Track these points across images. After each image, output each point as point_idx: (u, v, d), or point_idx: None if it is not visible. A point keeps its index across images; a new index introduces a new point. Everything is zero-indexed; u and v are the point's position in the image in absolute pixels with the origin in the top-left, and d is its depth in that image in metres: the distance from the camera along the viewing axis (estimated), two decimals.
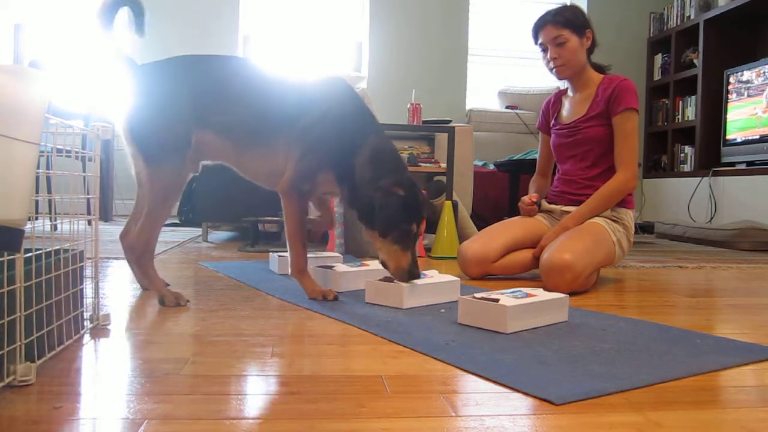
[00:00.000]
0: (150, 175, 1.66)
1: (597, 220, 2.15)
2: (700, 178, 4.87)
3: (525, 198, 2.40)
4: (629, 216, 2.21)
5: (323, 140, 1.72)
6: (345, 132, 1.73)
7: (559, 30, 2.20)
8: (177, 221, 3.95)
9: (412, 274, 1.65)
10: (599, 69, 2.33)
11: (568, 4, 2.40)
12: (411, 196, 1.65)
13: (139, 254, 1.69)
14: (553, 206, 2.34)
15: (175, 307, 1.61)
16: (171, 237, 3.56)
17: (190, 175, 1.81)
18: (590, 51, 2.29)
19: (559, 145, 2.36)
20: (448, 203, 2.99)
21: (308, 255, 2.34)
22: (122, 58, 1.71)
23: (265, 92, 1.77)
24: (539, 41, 2.27)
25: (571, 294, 1.76)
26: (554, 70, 2.26)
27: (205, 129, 1.71)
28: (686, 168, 5.43)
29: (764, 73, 4.49)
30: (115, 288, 1.94)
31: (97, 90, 5.09)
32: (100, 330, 1.35)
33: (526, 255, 2.24)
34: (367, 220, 1.67)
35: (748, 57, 4.97)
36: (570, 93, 2.38)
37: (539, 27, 2.25)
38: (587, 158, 2.26)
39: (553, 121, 2.42)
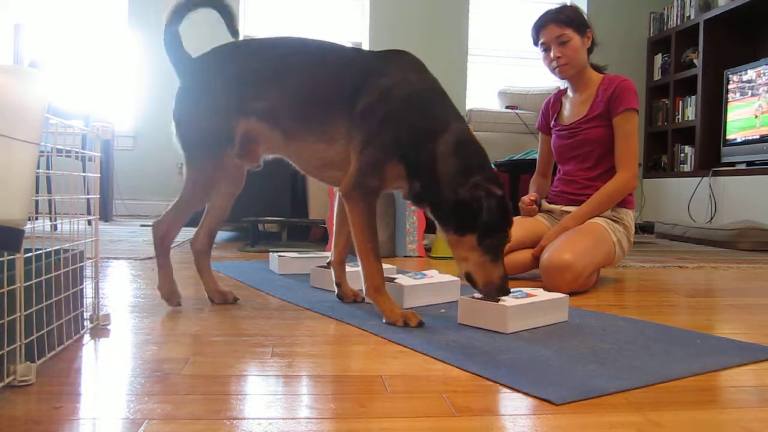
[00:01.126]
0: (186, 169, 1.57)
1: (597, 220, 2.15)
2: (700, 178, 4.87)
3: (525, 198, 2.40)
4: (629, 216, 2.21)
5: (389, 123, 1.46)
6: (418, 113, 1.47)
7: (561, 29, 2.18)
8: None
9: (503, 290, 1.43)
10: (597, 69, 2.33)
11: (568, 3, 2.36)
12: (505, 196, 1.43)
13: (159, 238, 1.60)
14: (553, 206, 2.34)
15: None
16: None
17: (243, 170, 1.70)
18: (590, 51, 2.28)
19: (560, 146, 2.35)
20: None
21: (308, 255, 2.35)
22: (178, 53, 1.60)
23: (314, 69, 1.55)
24: (540, 41, 2.24)
25: (571, 294, 1.76)
26: (557, 69, 2.24)
27: (249, 116, 1.54)
28: (686, 168, 5.43)
29: (764, 73, 4.49)
30: (115, 288, 1.95)
31: (97, 90, 5.09)
32: (100, 330, 1.35)
33: (526, 255, 2.24)
34: (456, 224, 1.44)
35: (748, 57, 4.97)
36: (570, 93, 2.37)
37: (540, 26, 2.23)
38: (589, 159, 2.26)
39: (553, 122, 2.41)
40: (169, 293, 1.61)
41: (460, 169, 1.44)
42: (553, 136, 2.40)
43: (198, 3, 1.62)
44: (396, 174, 1.49)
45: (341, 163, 1.52)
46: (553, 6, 2.29)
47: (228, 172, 1.62)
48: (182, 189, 1.58)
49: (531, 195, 2.40)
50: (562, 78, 2.29)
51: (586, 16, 2.27)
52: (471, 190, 1.40)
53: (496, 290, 1.43)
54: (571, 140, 2.30)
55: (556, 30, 2.19)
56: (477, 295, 1.49)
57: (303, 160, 1.61)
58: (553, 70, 2.26)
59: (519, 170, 3.86)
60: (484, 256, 1.43)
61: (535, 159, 2.57)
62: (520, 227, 2.30)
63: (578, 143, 2.27)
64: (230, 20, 1.64)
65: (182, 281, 2.06)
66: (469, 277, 1.46)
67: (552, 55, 2.21)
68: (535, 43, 2.28)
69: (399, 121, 1.46)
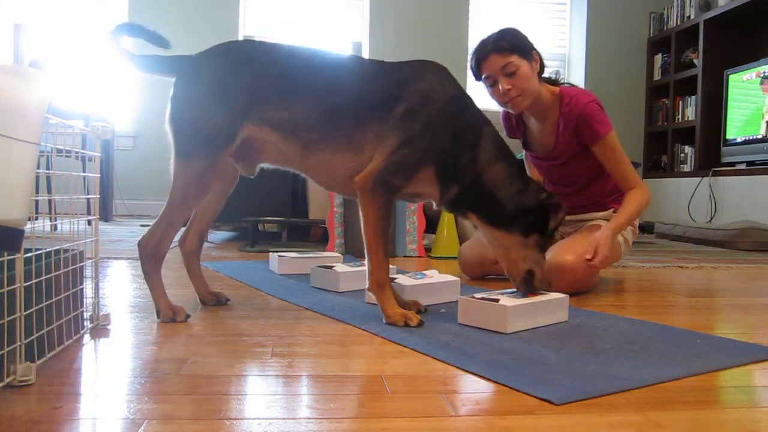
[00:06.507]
0: (175, 167, 1.46)
1: (601, 222, 2.11)
2: (700, 178, 4.87)
3: None
4: None
5: (430, 128, 1.47)
6: (458, 118, 1.52)
7: (505, 57, 1.91)
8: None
9: (550, 283, 1.61)
10: (551, 82, 2.08)
11: (507, 27, 2.01)
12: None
13: (149, 256, 1.48)
14: None
15: (170, 323, 1.44)
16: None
17: (234, 178, 1.65)
18: (540, 74, 2.01)
19: (538, 167, 2.24)
20: None
21: (308, 255, 2.35)
22: (158, 61, 1.52)
23: (343, 78, 1.53)
24: (484, 76, 1.98)
25: (572, 294, 1.76)
26: (510, 103, 1.97)
27: (260, 124, 1.48)
28: (686, 168, 5.43)
29: (764, 73, 4.49)
30: (115, 288, 1.95)
31: (97, 90, 5.09)
32: (100, 330, 1.35)
33: None
34: (524, 226, 1.53)
35: (748, 57, 4.97)
36: (531, 118, 2.14)
37: (481, 59, 1.95)
38: (573, 186, 2.15)
39: (522, 140, 2.23)
40: (174, 311, 1.47)
41: (511, 174, 1.54)
42: (529, 155, 2.26)
43: (126, 32, 1.52)
44: (425, 177, 1.51)
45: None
46: (497, 30, 1.99)
47: (221, 171, 1.55)
48: (170, 192, 1.46)
49: None
50: (518, 112, 2.04)
51: (528, 38, 1.99)
52: (543, 198, 1.54)
53: (548, 284, 1.58)
54: (549, 170, 2.18)
55: (500, 60, 1.91)
56: (477, 295, 1.49)
57: (324, 173, 1.55)
58: (504, 105, 2.01)
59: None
60: (540, 255, 1.56)
61: None
62: None
63: (558, 176, 2.16)
64: (157, 42, 1.53)
65: (177, 281, 2.06)
66: (529, 274, 1.55)
67: (501, 88, 1.94)
68: (478, 78, 2.01)
69: (441, 125, 1.49)
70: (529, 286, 1.56)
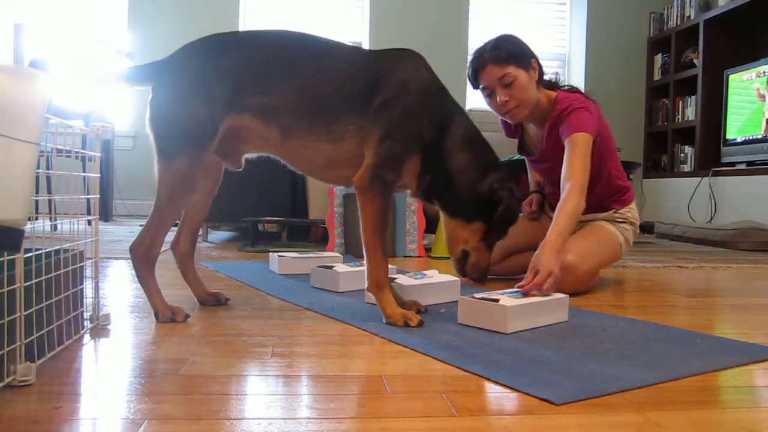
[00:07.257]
0: (159, 169, 1.45)
1: (601, 223, 2.11)
2: (700, 178, 4.87)
3: (525, 206, 2.33)
4: (633, 210, 2.15)
5: (410, 118, 1.47)
6: (432, 108, 1.51)
7: (502, 68, 1.87)
8: (177, 221, 3.95)
9: (485, 276, 1.58)
10: (551, 86, 2.04)
11: (505, 34, 1.98)
12: (522, 198, 1.55)
13: (141, 259, 1.49)
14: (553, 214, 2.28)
15: (169, 323, 1.45)
16: (170, 237, 3.55)
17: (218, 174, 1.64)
18: (539, 81, 1.96)
19: (537, 170, 2.24)
20: None
21: (308, 255, 2.35)
22: (137, 71, 1.56)
23: (320, 65, 1.51)
24: (481, 86, 1.94)
25: (572, 294, 1.76)
26: (508, 114, 1.95)
27: (242, 112, 1.47)
28: (686, 168, 5.43)
29: (764, 73, 4.49)
30: (115, 288, 1.95)
31: (97, 90, 5.09)
32: (100, 330, 1.35)
33: (526, 256, 2.22)
34: (468, 212, 1.52)
35: (748, 57, 4.97)
36: (531, 125, 2.13)
37: (478, 69, 1.91)
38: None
39: (518, 142, 2.22)
40: (172, 311, 1.47)
41: (472, 163, 1.52)
42: (528, 160, 2.27)
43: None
44: (411, 168, 1.50)
45: (350, 161, 1.49)
46: (494, 37, 1.95)
47: (206, 169, 1.54)
48: (156, 194, 1.45)
49: (533, 201, 2.33)
50: (516, 122, 2.02)
51: (526, 45, 1.96)
52: (494, 188, 1.50)
53: (480, 273, 1.57)
54: (548, 173, 2.16)
55: (497, 70, 1.87)
56: (477, 295, 1.49)
57: (303, 160, 1.55)
58: (503, 115, 1.99)
59: (519, 170, 3.86)
60: (483, 243, 1.55)
61: None
62: (522, 231, 2.25)
63: (557, 178, 2.07)
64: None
65: (176, 281, 2.06)
66: (463, 255, 1.56)
67: (499, 99, 1.91)
68: (475, 87, 1.98)
69: (419, 114, 1.48)
70: (459, 266, 1.58)
